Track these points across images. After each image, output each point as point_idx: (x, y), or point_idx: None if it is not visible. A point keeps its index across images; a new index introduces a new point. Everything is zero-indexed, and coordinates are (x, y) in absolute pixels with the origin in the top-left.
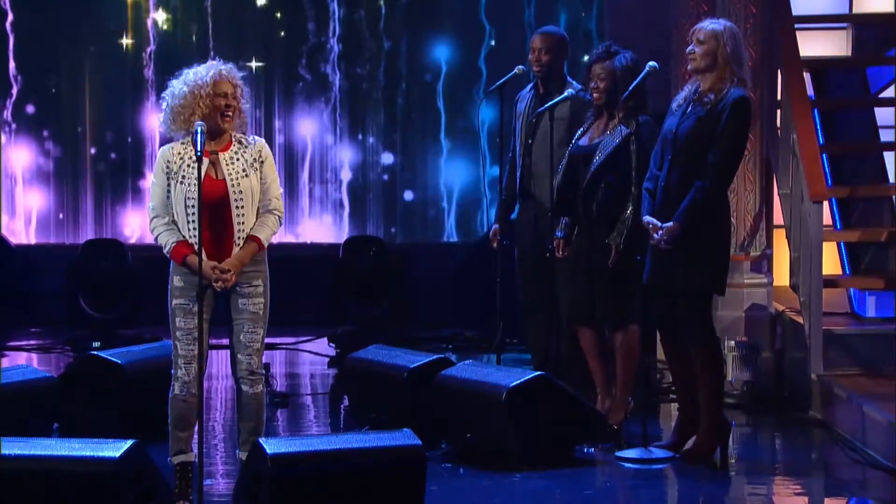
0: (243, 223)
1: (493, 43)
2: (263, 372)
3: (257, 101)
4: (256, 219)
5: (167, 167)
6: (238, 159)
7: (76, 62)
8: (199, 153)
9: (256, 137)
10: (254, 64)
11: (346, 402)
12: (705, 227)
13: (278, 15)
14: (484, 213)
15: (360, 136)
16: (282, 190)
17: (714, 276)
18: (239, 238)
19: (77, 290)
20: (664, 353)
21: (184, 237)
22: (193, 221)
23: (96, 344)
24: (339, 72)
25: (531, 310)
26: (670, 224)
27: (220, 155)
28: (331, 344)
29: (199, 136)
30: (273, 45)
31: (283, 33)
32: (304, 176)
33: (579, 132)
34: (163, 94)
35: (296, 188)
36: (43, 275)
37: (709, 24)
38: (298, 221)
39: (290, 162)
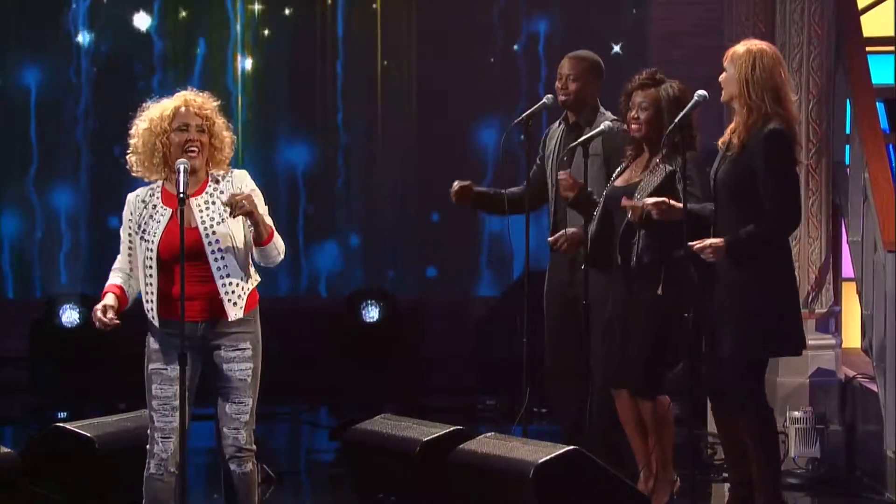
0: (228, 275)
1: None
2: (254, 448)
3: None
4: (244, 271)
5: (129, 218)
6: (214, 202)
7: None
8: (181, 195)
9: (234, 171)
10: None
11: (348, 480)
12: (776, 277)
13: None
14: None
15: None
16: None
17: (798, 333)
18: (227, 295)
19: (41, 351)
20: (716, 425)
21: (120, 283)
22: (151, 284)
23: (63, 414)
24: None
25: (558, 371)
26: (719, 241)
27: (192, 199)
28: (332, 414)
29: (181, 175)
30: None
31: None
32: None
33: (617, 171)
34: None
35: None
36: (1, 335)
37: (739, 46)
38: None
39: None
